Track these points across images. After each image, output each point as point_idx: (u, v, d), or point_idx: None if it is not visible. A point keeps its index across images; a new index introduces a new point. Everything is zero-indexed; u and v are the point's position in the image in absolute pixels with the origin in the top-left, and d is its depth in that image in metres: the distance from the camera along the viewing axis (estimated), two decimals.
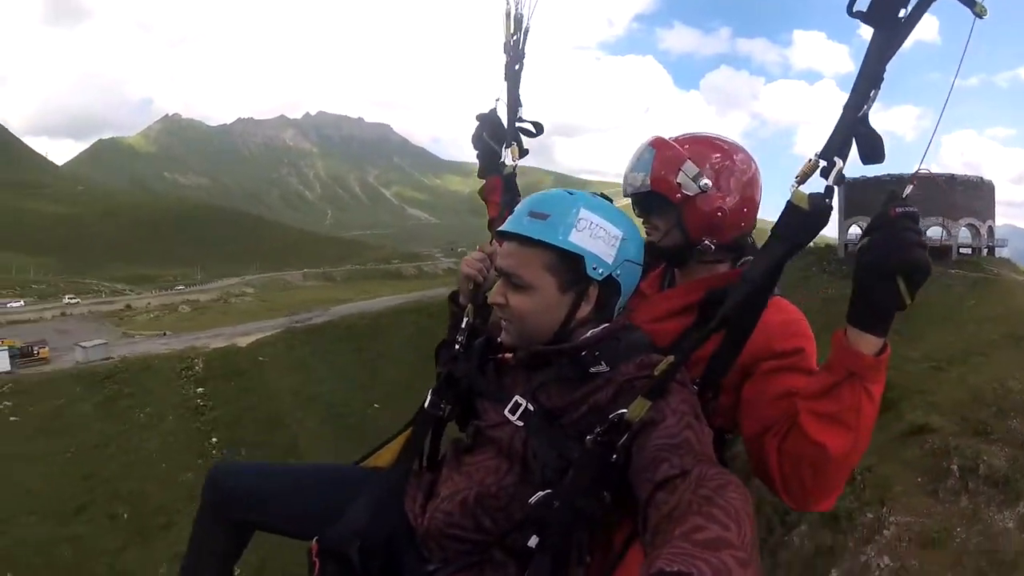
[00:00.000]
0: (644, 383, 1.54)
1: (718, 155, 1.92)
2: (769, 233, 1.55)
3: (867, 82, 1.42)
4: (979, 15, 1.36)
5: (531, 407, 1.69)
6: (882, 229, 1.36)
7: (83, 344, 51.20)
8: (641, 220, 2.07)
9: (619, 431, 1.47)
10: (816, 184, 1.50)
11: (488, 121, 2.48)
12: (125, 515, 37.82)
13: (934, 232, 46.72)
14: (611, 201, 1.82)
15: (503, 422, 1.72)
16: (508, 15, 2.40)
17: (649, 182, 1.93)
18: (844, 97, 1.46)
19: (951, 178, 48.30)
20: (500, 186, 2.50)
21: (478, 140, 2.51)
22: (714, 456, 1.44)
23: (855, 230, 50.16)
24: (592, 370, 1.65)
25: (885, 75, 1.43)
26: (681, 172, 1.88)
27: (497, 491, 1.69)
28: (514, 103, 2.43)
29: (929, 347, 28.88)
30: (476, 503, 1.70)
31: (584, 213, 1.67)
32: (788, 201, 1.51)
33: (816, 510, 1.70)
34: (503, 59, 2.44)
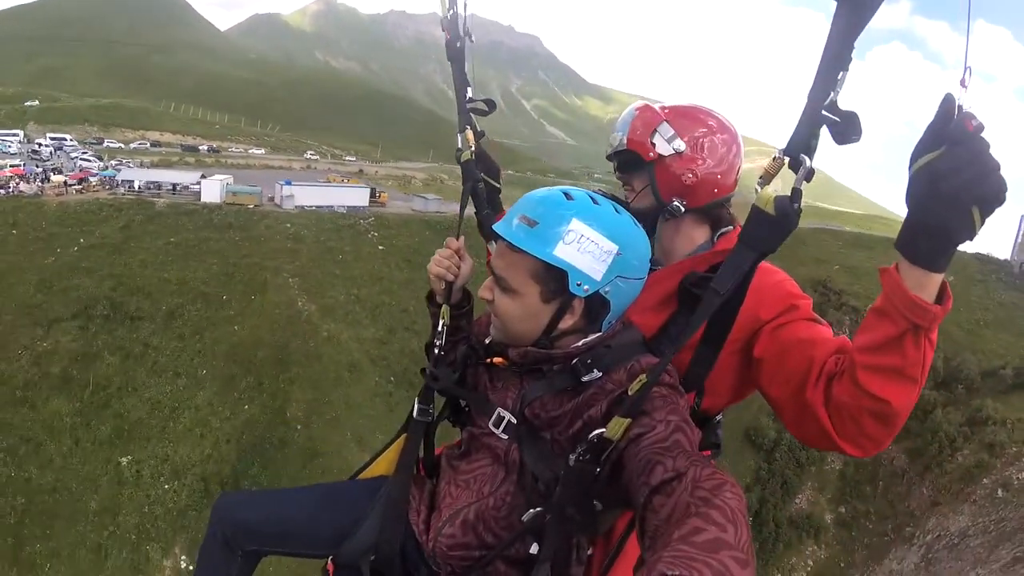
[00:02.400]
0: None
1: (701, 128, 1.94)
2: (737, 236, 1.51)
3: (834, 64, 1.31)
4: None
5: (515, 420, 1.71)
6: (961, 147, 1.17)
7: (424, 196, 57.44)
8: (621, 182, 2.11)
9: (601, 449, 1.47)
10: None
11: (479, 157, 2.36)
12: None
13: None
14: (625, 205, 1.80)
15: (493, 431, 1.75)
16: None
17: (625, 141, 1.97)
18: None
19: None
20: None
21: (458, 150, 2.36)
22: (704, 457, 1.38)
23: None
24: (585, 379, 1.63)
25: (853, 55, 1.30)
26: (656, 132, 1.92)
27: (496, 502, 1.71)
28: (461, 83, 2.31)
29: None
30: (477, 519, 1.72)
31: (576, 224, 1.59)
32: (753, 205, 1.44)
33: (875, 452, 1.62)
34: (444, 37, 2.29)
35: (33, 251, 38.55)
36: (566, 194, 1.65)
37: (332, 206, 48.79)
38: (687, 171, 1.90)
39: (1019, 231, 45.84)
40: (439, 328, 2.06)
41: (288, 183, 49.86)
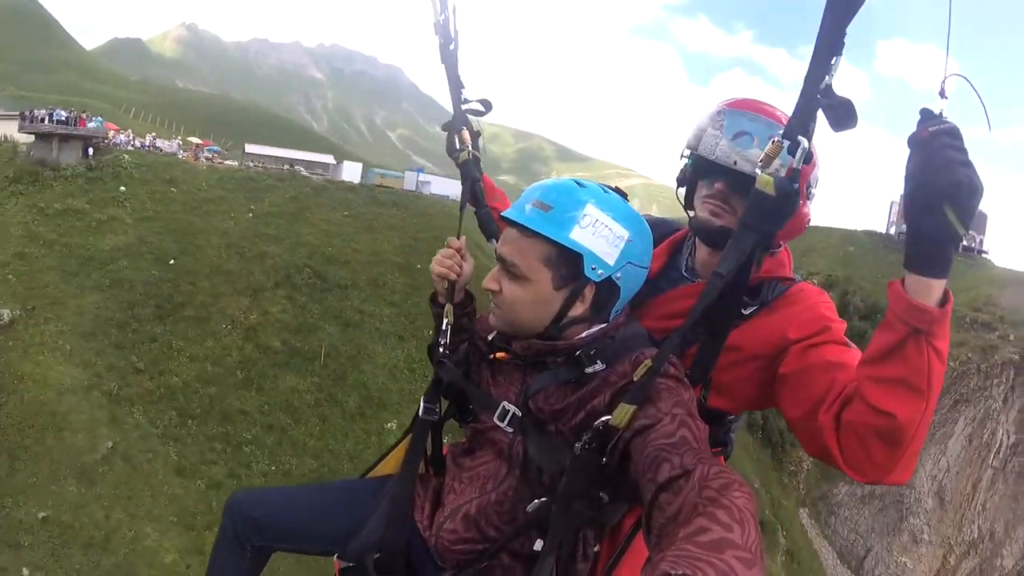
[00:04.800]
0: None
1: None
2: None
3: (827, 49, 1.32)
4: None
5: (519, 413, 1.71)
6: (919, 152, 1.21)
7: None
8: (716, 199, 1.87)
9: (606, 437, 1.47)
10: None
11: (476, 156, 2.38)
12: None
13: None
14: (625, 196, 1.76)
15: (497, 426, 1.76)
16: None
17: (784, 172, 1.70)
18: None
19: None
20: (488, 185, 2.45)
21: (454, 150, 2.38)
22: (711, 453, 1.38)
23: None
24: (588, 370, 1.63)
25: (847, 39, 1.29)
26: (811, 175, 1.76)
27: (498, 497, 1.74)
28: (456, 85, 2.31)
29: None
30: (478, 514, 1.75)
31: (590, 209, 1.59)
32: (754, 187, 1.44)
33: (890, 483, 1.55)
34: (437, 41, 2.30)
35: (207, 212, 36.45)
36: (577, 182, 1.69)
37: (448, 196, 51.47)
38: (807, 219, 1.86)
39: (890, 212, 60.73)
40: (443, 328, 2.08)
41: (421, 171, 54.54)
